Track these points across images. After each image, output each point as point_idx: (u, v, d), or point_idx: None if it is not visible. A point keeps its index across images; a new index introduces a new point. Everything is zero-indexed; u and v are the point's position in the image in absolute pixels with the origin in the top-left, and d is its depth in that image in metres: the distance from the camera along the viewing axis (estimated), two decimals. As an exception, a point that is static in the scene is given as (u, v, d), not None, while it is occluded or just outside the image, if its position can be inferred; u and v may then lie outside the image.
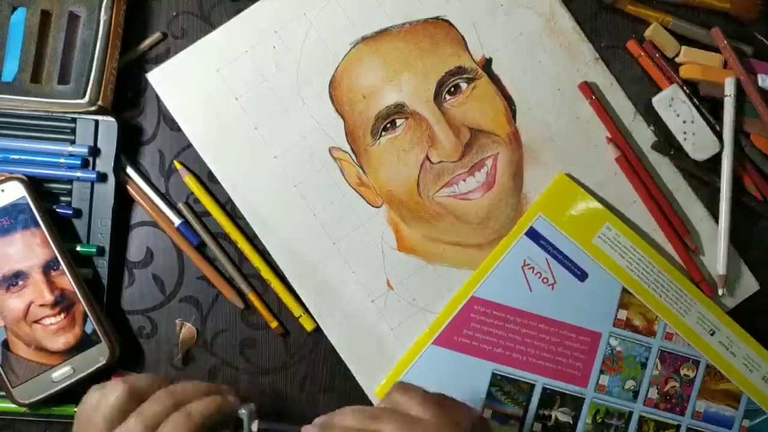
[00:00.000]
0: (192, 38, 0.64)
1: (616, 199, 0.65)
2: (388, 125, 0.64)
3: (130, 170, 0.64)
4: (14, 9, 0.62)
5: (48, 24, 0.62)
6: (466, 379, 0.63)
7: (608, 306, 0.63)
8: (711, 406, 0.64)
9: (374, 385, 0.63)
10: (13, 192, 0.60)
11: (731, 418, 0.64)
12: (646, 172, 0.65)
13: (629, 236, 0.64)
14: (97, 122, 0.62)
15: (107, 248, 0.62)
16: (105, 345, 0.59)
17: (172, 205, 0.64)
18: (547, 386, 0.63)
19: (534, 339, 0.63)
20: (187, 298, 0.64)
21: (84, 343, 0.59)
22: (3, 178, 0.60)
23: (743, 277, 0.65)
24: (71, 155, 0.62)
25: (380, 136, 0.64)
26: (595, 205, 0.64)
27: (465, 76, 0.65)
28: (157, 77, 0.64)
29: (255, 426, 0.53)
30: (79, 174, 0.62)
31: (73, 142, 0.62)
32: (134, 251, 0.64)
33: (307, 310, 0.63)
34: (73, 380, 0.59)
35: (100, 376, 0.60)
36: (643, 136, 0.65)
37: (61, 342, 0.59)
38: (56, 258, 0.59)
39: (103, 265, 0.62)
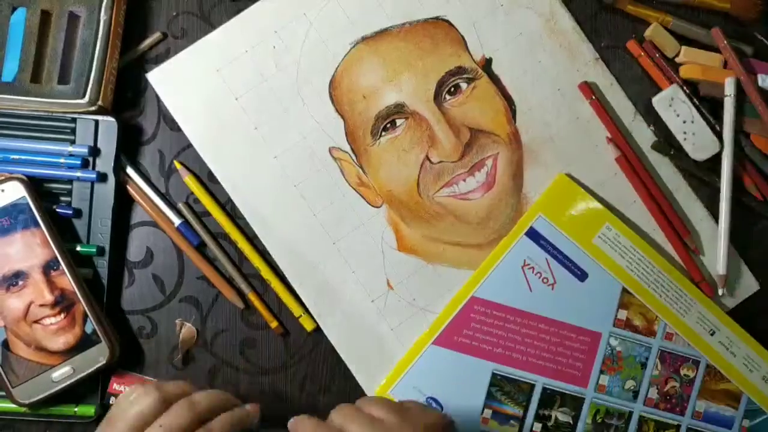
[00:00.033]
0: (192, 38, 0.64)
1: (616, 199, 0.65)
2: (388, 125, 0.64)
3: (130, 170, 0.64)
4: (14, 9, 0.62)
5: (48, 24, 0.62)
6: (466, 379, 0.63)
7: (608, 306, 0.63)
8: (711, 406, 0.64)
9: (374, 385, 0.63)
10: (13, 192, 0.60)
11: (731, 418, 0.64)
12: (646, 172, 0.65)
13: (629, 236, 0.64)
14: (97, 122, 0.62)
15: (107, 248, 0.62)
16: (105, 345, 0.59)
17: (172, 205, 0.64)
18: (547, 386, 0.63)
19: (534, 339, 0.63)
20: (187, 298, 0.64)
21: (84, 343, 0.59)
22: (3, 178, 0.60)
23: (743, 277, 0.65)
24: (71, 155, 0.62)
25: (380, 136, 0.64)
26: (595, 205, 0.64)
27: (465, 76, 0.65)
28: (157, 77, 0.64)
29: None
30: (79, 174, 0.62)
31: (73, 142, 0.62)
32: (134, 251, 0.64)
33: (307, 310, 0.63)
34: (73, 380, 0.59)
35: (99, 376, 0.61)
36: (643, 136, 0.65)
37: (61, 342, 0.59)
38: (56, 258, 0.59)
39: (103, 265, 0.62)
